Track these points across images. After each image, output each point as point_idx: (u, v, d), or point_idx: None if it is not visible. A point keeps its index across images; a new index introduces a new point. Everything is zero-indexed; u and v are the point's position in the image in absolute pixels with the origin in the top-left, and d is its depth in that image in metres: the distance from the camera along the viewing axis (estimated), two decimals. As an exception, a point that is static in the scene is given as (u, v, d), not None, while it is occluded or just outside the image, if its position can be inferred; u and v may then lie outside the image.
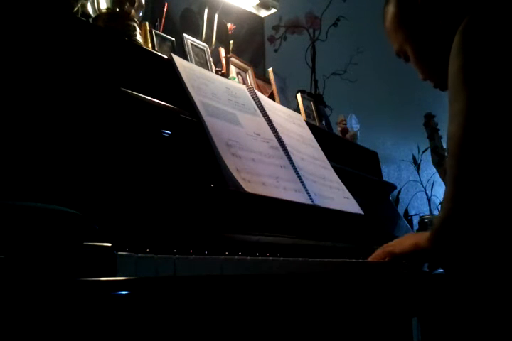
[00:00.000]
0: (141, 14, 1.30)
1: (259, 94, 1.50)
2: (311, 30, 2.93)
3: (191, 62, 1.43)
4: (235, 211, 1.08)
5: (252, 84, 1.74)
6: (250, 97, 1.45)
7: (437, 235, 0.94)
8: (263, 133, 1.36)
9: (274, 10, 2.03)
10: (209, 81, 1.31)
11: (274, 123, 1.44)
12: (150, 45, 1.37)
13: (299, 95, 1.92)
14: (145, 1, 1.32)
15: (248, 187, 1.11)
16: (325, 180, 1.48)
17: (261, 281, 0.84)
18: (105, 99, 0.97)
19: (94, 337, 0.59)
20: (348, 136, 2.16)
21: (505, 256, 0.89)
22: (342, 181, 1.56)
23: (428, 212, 3.09)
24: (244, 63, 1.76)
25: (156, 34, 1.41)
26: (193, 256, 0.77)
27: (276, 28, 2.86)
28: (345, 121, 2.20)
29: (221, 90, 1.33)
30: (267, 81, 1.88)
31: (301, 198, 1.28)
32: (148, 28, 1.38)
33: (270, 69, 1.84)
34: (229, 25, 1.77)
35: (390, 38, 1.14)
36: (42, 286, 0.54)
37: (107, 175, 0.87)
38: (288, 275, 0.91)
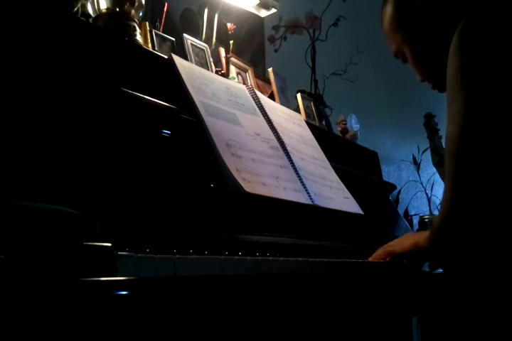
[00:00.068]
0: (141, 14, 1.30)
1: (259, 94, 1.50)
2: (311, 30, 2.93)
3: (191, 62, 1.43)
4: (235, 211, 1.08)
5: (252, 84, 1.74)
6: (250, 97, 1.45)
7: (437, 235, 0.94)
8: (263, 133, 1.36)
9: (274, 10, 2.03)
10: (209, 81, 1.31)
11: (274, 123, 1.44)
12: (150, 45, 1.37)
13: (299, 95, 1.92)
14: (145, 1, 1.32)
15: (248, 187, 1.11)
16: (325, 180, 1.48)
17: (261, 281, 0.84)
18: (105, 99, 0.97)
19: (95, 337, 0.59)
20: (348, 136, 2.16)
21: (505, 255, 0.89)
22: (342, 181, 1.56)
23: (428, 212, 3.09)
24: (244, 63, 1.76)
25: (156, 34, 1.41)
26: (193, 256, 0.77)
27: (276, 28, 2.86)
28: (345, 121, 2.20)
29: (221, 90, 1.33)
30: (267, 81, 1.88)
31: (301, 198, 1.29)
32: (148, 28, 1.38)
33: (270, 69, 1.84)
34: (229, 25, 1.77)
35: (387, 38, 1.14)
36: (42, 286, 0.54)
37: (107, 175, 0.87)
38: (288, 275, 0.91)
